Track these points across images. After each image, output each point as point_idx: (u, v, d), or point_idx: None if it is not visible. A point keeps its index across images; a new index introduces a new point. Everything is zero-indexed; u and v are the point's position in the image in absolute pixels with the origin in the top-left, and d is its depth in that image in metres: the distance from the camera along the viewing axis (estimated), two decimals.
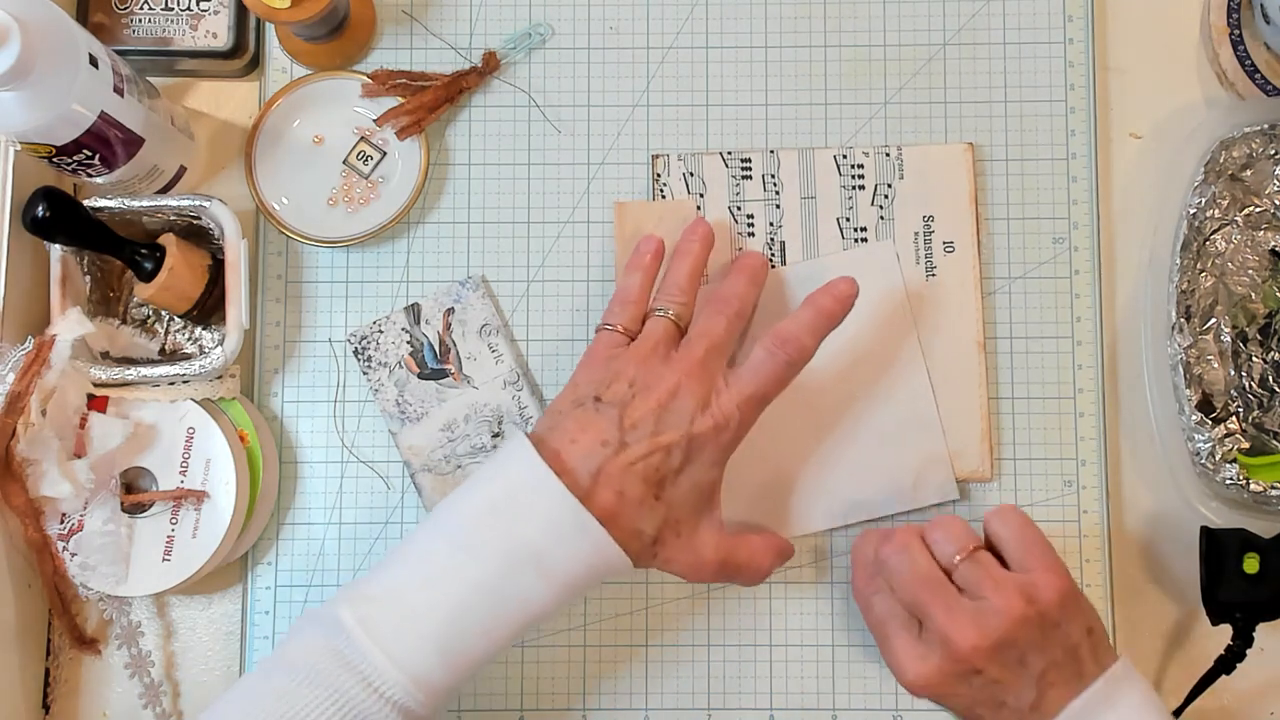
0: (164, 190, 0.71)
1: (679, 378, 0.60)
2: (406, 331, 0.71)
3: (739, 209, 0.71)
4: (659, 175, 0.72)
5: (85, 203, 0.66)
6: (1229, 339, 0.69)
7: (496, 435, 0.70)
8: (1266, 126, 0.69)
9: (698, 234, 0.66)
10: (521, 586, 0.56)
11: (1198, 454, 0.67)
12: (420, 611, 0.56)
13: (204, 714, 0.56)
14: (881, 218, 0.71)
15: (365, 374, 0.70)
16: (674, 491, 0.60)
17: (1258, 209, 0.70)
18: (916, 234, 0.70)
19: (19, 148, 0.63)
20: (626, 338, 0.63)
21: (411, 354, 0.70)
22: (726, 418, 0.60)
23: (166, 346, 0.71)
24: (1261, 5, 0.68)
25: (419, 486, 0.70)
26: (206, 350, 0.68)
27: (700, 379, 0.61)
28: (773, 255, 0.71)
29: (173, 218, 0.68)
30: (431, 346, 0.71)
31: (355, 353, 0.71)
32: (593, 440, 0.59)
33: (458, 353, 0.70)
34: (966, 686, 0.58)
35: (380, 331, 0.71)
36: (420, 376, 0.70)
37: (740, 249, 0.71)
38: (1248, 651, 0.65)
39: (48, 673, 0.70)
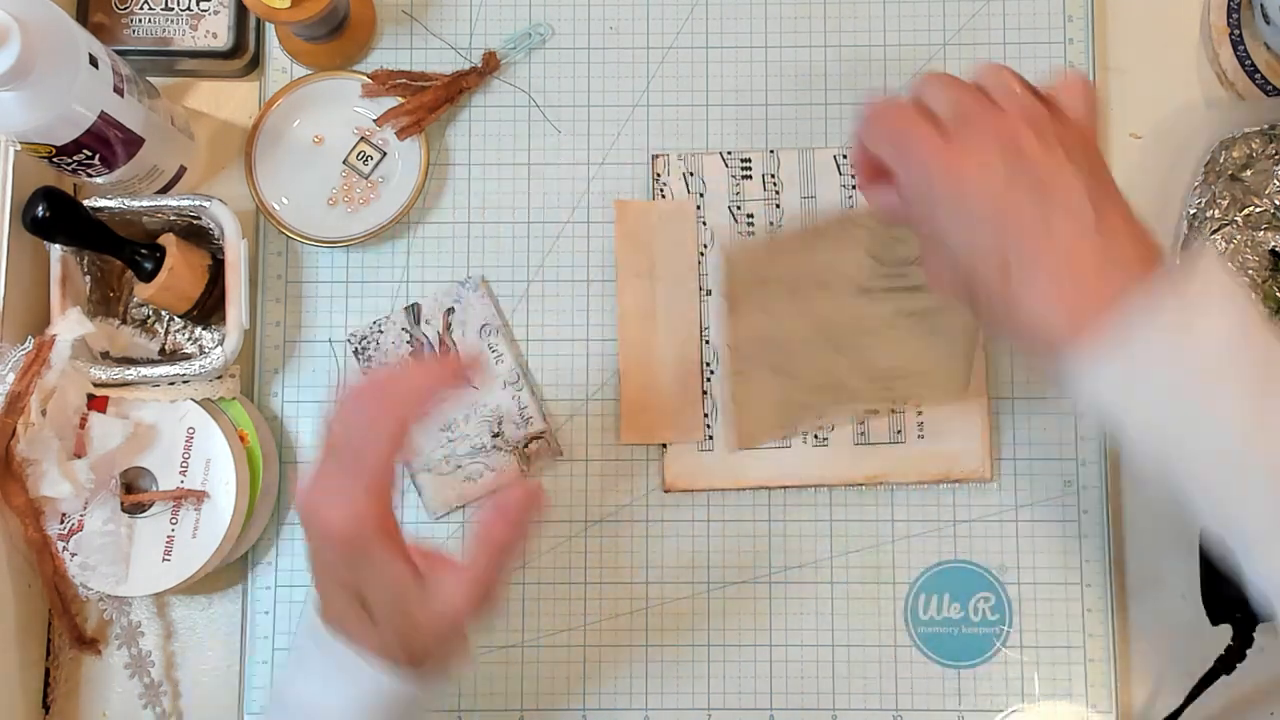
0: (164, 190, 0.71)
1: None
2: (406, 331, 0.71)
3: (739, 209, 0.71)
4: (659, 175, 0.72)
5: (85, 203, 0.66)
6: None
7: (496, 435, 0.70)
8: (1266, 126, 0.69)
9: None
10: None
11: None
12: None
13: None
14: None
15: (364, 373, 0.70)
16: (375, 596, 0.52)
17: (1258, 209, 0.70)
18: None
19: (19, 148, 0.63)
20: None
21: (411, 354, 0.70)
22: (337, 525, 0.52)
23: (166, 346, 0.71)
24: (1261, 5, 0.68)
25: (419, 486, 0.70)
26: (206, 350, 0.68)
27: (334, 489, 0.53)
28: None
29: (173, 218, 0.68)
30: (431, 346, 0.71)
31: (355, 353, 0.71)
32: (320, 598, 0.54)
33: (457, 353, 0.70)
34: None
35: (380, 331, 0.71)
36: None
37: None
38: (1248, 651, 0.65)
39: (48, 673, 0.70)
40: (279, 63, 0.73)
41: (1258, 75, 0.70)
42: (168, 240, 0.67)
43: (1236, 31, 0.71)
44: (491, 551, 0.53)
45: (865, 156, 0.54)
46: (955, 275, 0.52)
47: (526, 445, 0.70)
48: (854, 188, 0.71)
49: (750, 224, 0.71)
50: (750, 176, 0.71)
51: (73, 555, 0.65)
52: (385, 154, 0.71)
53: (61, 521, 0.65)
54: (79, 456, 0.65)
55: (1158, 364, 0.46)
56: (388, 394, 0.52)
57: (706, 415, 0.70)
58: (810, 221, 0.70)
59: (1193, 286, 0.46)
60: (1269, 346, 0.45)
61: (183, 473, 0.66)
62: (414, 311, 0.71)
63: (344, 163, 0.71)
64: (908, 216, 0.53)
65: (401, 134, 0.70)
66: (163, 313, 0.71)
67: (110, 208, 0.67)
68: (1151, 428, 0.47)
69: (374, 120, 0.71)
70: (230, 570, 0.70)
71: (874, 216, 0.60)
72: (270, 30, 0.73)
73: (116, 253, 0.66)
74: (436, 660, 0.54)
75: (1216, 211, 0.70)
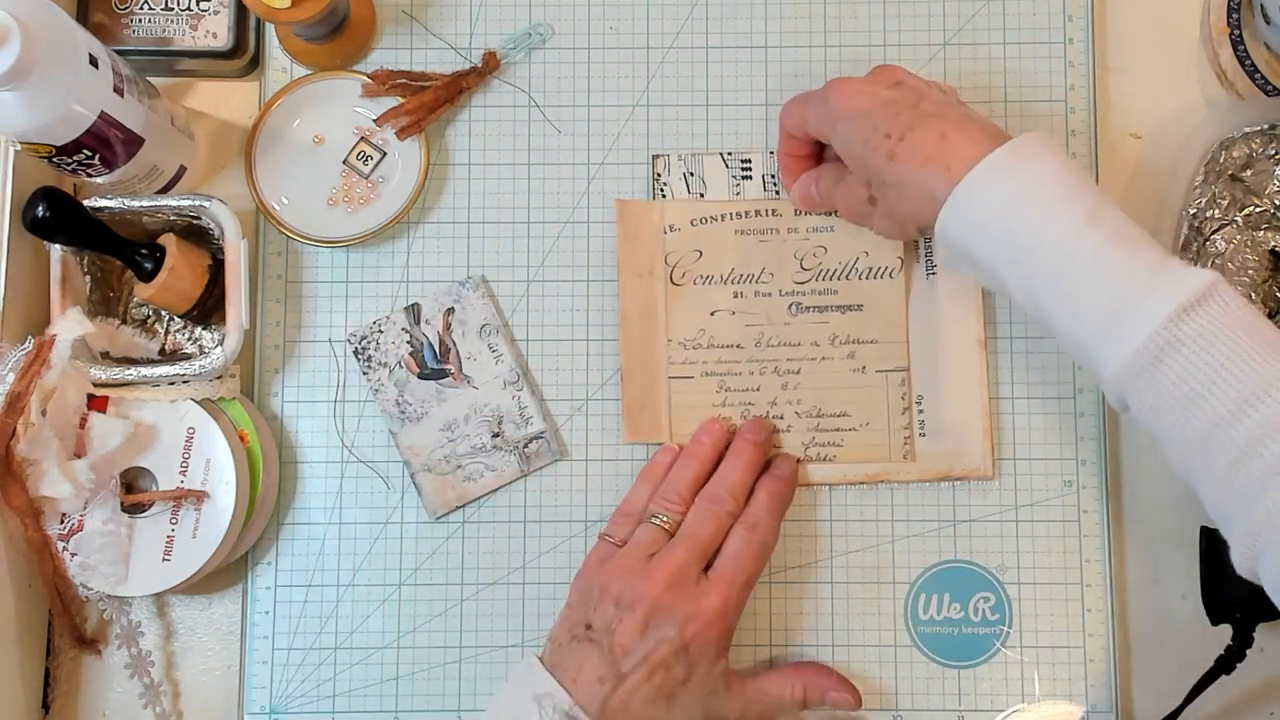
0: (164, 190, 0.71)
1: (659, 590, 0.62)
2: (406, 331, 0.71)
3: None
4: (659, 175, 0.72)
5: (85, 203, 0.66)
6: None
7: (496, 435, 0.70)
8: (1266, 126, 0.69)
9: (709, 436, 0.68)
10: None
11: None
12: None
13: None
14: None
15: (365, 374, 0.70)
16: (686, 698, 0.61)
17: (1258, 209, 0.70)
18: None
19: (19, 148, 0.63)
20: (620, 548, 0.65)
21: (411, 354, 0.70)
22: (716, 613, 0.62)
23: (166, 346, 0.71)
24: (1261, 5, 0.68)
25: (419, 486, 0.70)
26: (206, 350, 0.68)
27: (680, 585, 0.62)
28: None
29: (173, 218, 0.68)
30: (431, 346, 0.71)
31: (355, 353, 0.71)
32: (590, 678, 0.61)
33: (458, 353, 0.70)
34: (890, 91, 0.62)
35: (380, 331, 0.71)
36: (420, 376, 0.70)
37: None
38: (1248, 651, 0.65)
39: (48, 673, 0.70)
40: (279, 63, 0.73)
41: (1258, 75, 0.70)
42: (168, 240, 0.67)
43: (1236, 31, 0.71)
44: (791, 700, 0.65)
45: (786, 151, 0.69)
46: (858, 192, 0.64)
47: (526, 445, 0.70)
48: None
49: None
50: (750, 177, 0.71)
51: (73, 555, 0.65)
52: (385, 154, 0.71)
53: (61, 521, 0.65)
54: (79, 456, 0.65)
55: (1001, 196, 0.57)
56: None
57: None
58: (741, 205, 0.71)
59: (1024, 143, 0.58)
60: (1079, 175, 0.57)
61: (183, 473, 0.66)
62: (414, 311, 0.71)
63: (344, 163, 0.71)
64: (819, 134, 0.65)
65: (401, 134, 0.70)
66: (163, 313, 0.71)
67: (110, 208, 0.67)
68: (1006, 244, 0.57)
69: (374, 120, 0.71)
70: (230, 570, 0.70)
71: (795, 206, 0.69)
72: (270, 30, 0.73)
73: (116, 253, 0.66)
74: None
75: (1216, 211, 0.70)
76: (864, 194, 0.64)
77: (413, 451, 0.70)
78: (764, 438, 0.68)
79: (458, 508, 0.70)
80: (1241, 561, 0.53)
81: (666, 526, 0.65)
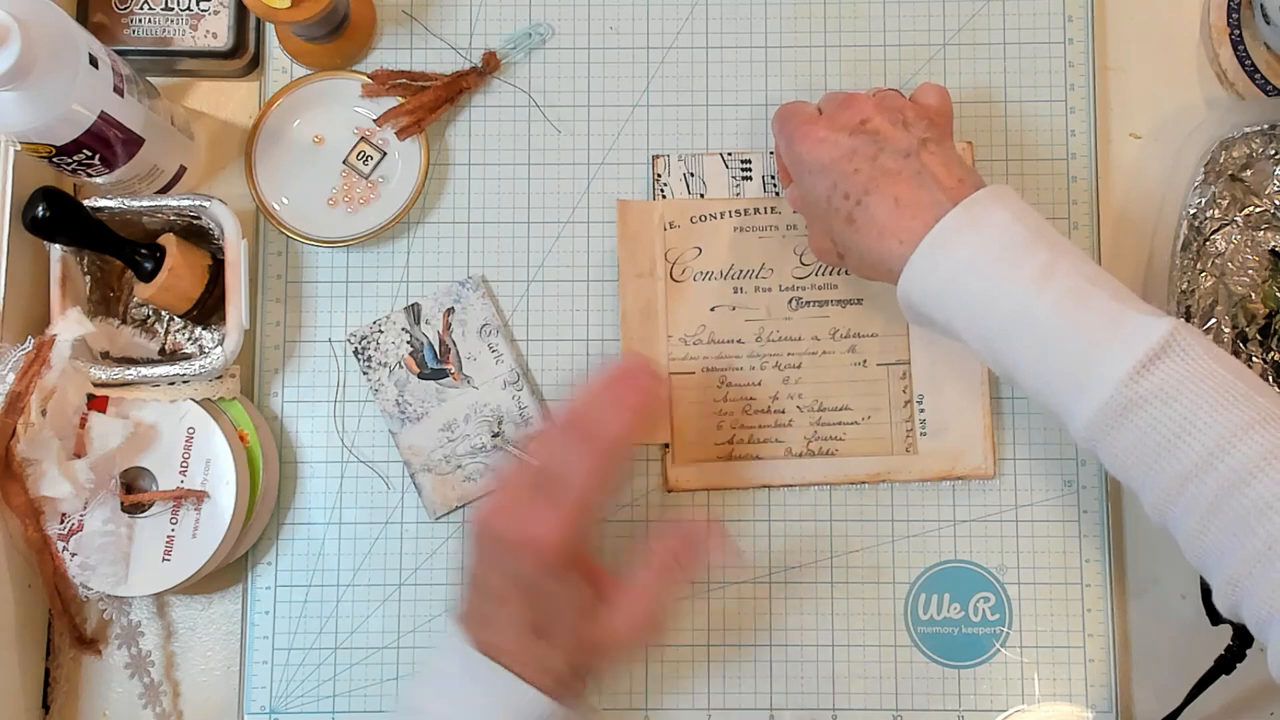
0: (164, 190, 0.71)
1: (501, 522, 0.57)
2: (406, 331, 0.71)
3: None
4: (659, 175, 0.72)
5: (85, 203, 0.66)
6: (1229, 339, 0.69)
7: (496, 435, 0.70)
8: (1266, 126, 0.69)
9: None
10: None
11: None
12: None
13: None
14: None
15: (365, 374, 0.70)
16: (554, 620, 0.56)
17: (1258, 209, 0.70)
18: None
19: (19, 148, 0.63)
20: None
21: (411, 354, 0.70)
22: (546, 542, 0.55)
23: (166, 346, 0.71)
24: (1261, 5, 0.68)
25: (419, 486, 0.70)
26: (206, 350, 0.68)
27: (522, 514, 0.56)
28: None
29: (173, 218, 0.68)
30: (431, 346, 0.71)
31: (355, 353, 0.71)
32: (473, 619, 0.57)
33: (458, 353, 0.70)
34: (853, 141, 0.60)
35: (380, 331, 0.71)
36: (420, 376, 0.70)
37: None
38: (1248, 651, 0.65)
39: (48, 673, 0.70)
40: (279, 63, 0.73)
41: (1258, 75, 0.70)
42: (168, 240, 0.67)
43: (1236, 31, 0.71)
44: (668, 579, 0.58)
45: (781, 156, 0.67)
46: (826, 244, 0.64)
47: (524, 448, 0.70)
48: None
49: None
50: (750, 177, 0.71)
51: (73, 555, 0.65)
52: (385, 154, 0.71)
53: (61, 521, 0.65)
54: (79, 456, 0.65)
55: (953, 264, 0.57)
56: (591, 430, 0.57)
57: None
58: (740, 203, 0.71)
59: (975, 201, 0.57)
60: (1031, 228, 0.57)
61: (183, 473, 0.66)
62: (414, 311, 0.71)
63: (344, 163, 0.71)
64: (790, 169, 0.64)
65: (401, 134, 0.70)
66: (163, 313, 0.71)
67: (110, 208, 0.67)
68: (963, 307, 0.57)
69: (374, 120, 0.71)
70: (230, 570, 0.70)
71: (792, 208, 0.68)
72: (270, 30, 0.73)
73: (116, 253, 0.66)
74: (587, 684, 0.58)
75: (1216, 211, 0.70)
76: (832, 247, 0.64)
77: (413, 451, 0.70)
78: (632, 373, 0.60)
79: (458, 507, 0.70)
80: (1223, 606, 0.55)
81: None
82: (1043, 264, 0.55)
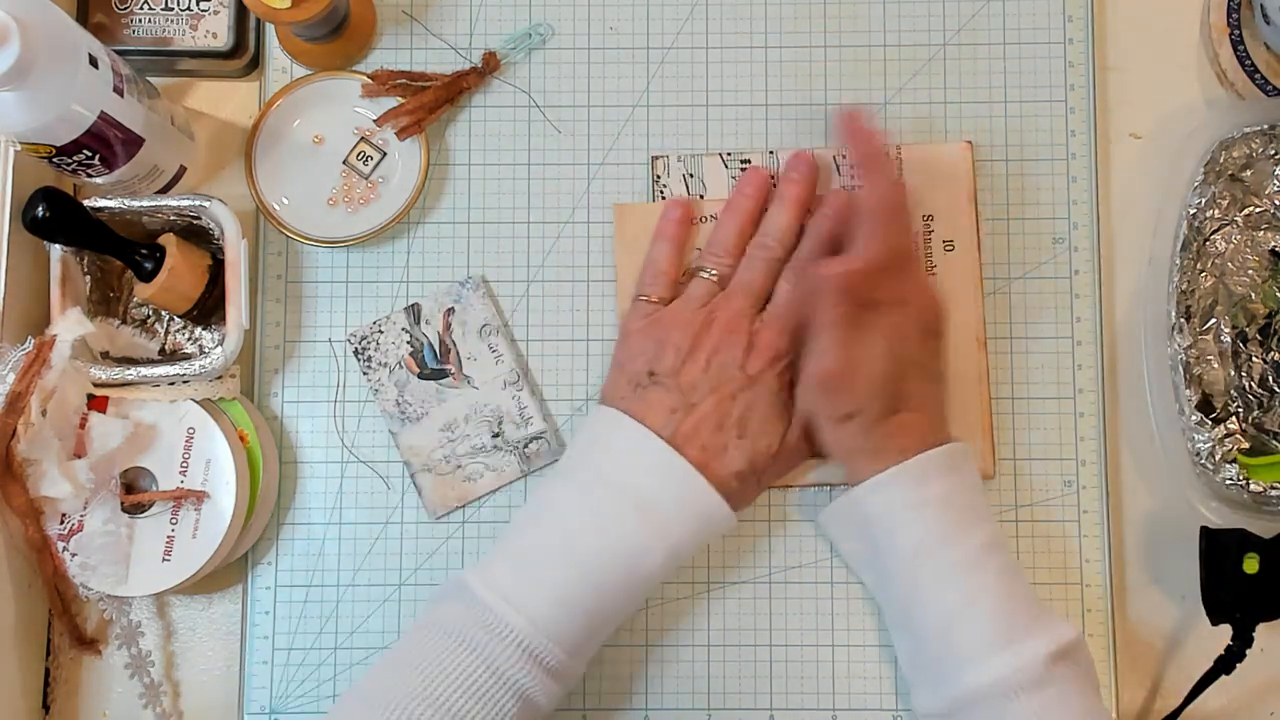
0: (164, 190, 0.71)
1: (719, 334, 0.64)
2: (406, 331, 0.71)
3: None
4: (659, 176, 0.72)
5: (85, 203, 0.66)
6: (1229, 339, 0.69)
7: (496, 435, 0.70)
8: (1266, 126, 0.69)
9: (751, 186, 0.69)
10: (630, 536, 0.60)
11: (1198, 454, 0.67)
12: (533, 558, 0.60)
13: (363, 679, 0.60)
14: None
15: (365, 374, 0.70)
16: (753, 424, 0.64)
17: (1258, 209, 0.70)
18: (916, 233, 0.70)
19: (19, 148, 0.63)
20: (660, 305, 0.67)
21: (412, 354, 0.70)
22: (776, 351, 0.65)
23: (166, 346, 0.71)
24: (1261, 5, 0.68)
25: (419, 487, 0.70)
26: (206, 350, 0.68)
27: (738, 329, 0.65)
28: None
29: (173, 218, 0.68)
30: (431, 346, 0.71)
31: (355, 353, 0.71)
32: (662, 411, 0.63)
33: (458, 353, 0.70)
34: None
35: (380, 331, 0.71)
36: (420, 376, 0.70)
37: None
38: (1248, 651, 0.65)
39: (48, 673, 0.70)
40: (279, 63, 0.73)
41: (1258, 75, 0.70)
42: (168, 240, 0.67)
43: (1236, 31, 0.71)
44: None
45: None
46: (795, 430, 0.66)
47: (527, 445, 0.70)
48: (854, 188, 0.71)
49: None
50: None
51: (73, 555, 0.65)
52: (385, 154, 0.71)
53: (61, 521, 0.65)
54: (79, 456, 0.65)
55: (913, 499, 0.62)
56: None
57: None
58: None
59: (934, 458, 0.62)
60: (984, 497, 0.64)
61: (183, 473, 0.66)
62: (414, 311, 0.71)
63: (344, 163, 0.71)
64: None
65: (401, 134, 0.70)
66: (163, 313, 0.71)
67: (110, 208, 0.67)
68: (915, 536, 0.62)
69: (374, 120, 0.71)
70: (230, 570, 0.70)
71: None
72: (270, 30, 0.73)
73: (116, 253, 0.66)
74: (745, 500, 0.65)
75: (1216, 211, 0.70)
76: (799, 429, 0.66)
77: (413, 452, 0.70)
78: (808, 174, 0.69)
79: (458, 507, 0.70)
80: None
81: (716, 279, 0.67)
82: (994, 533, 0.62)
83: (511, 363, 0.70)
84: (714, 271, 0.67)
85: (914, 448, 0.62)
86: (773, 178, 0.70)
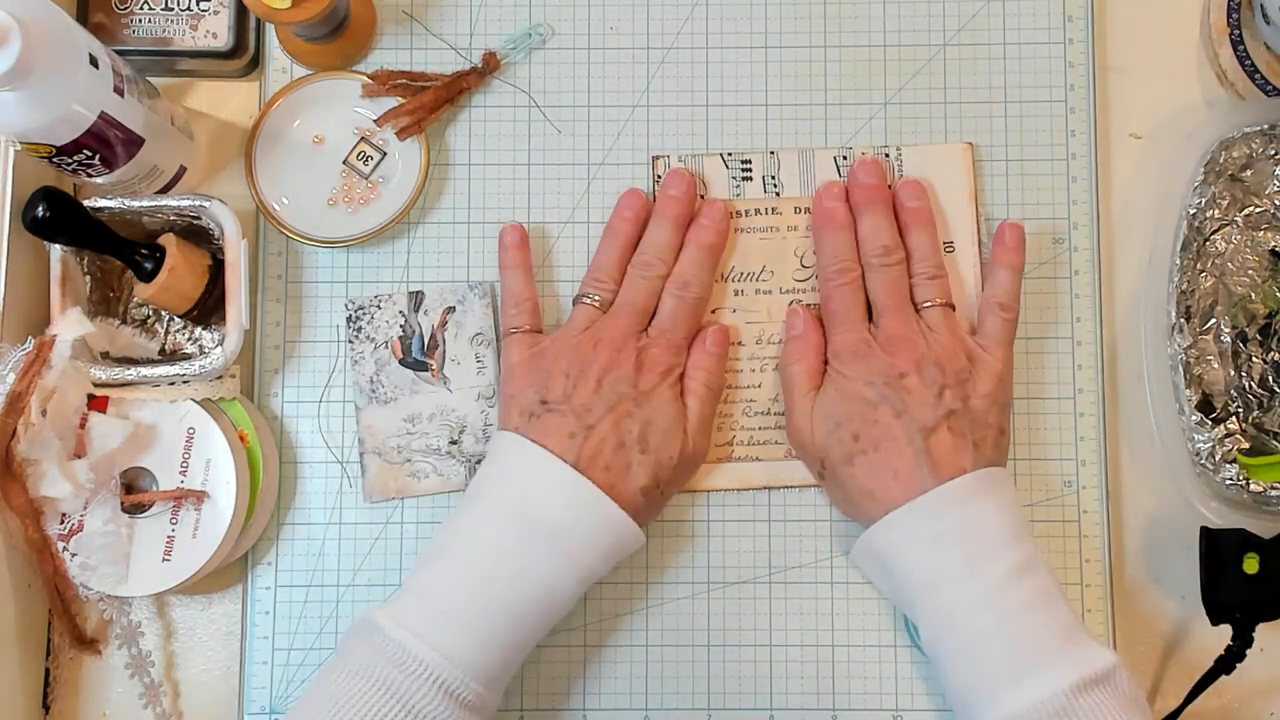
0: (164, 190, 0.71)
1: (607, 354, 0.65)
2: (403, 315, 0.71)
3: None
4: (659, 176, 0.72)
5: (85, 203, 0.66)
6: (1229, 339, 0.69)
7: (454, 443, 0.70)
8: (1266, 126, 0.69)
9: (629, 209, 0.69)
10: (541, 568, 0.60)
11: (1198, 454, 0.67)
12: (445, 594, 0.59)
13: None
14: None
15: (351, 342, 0.70)
16: (653, 438, 0.64)
17: (1258, 209, 0.70)
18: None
19: (19, 148, 0.63)
20: (534, 333, 0.68)
21: (400, 338, 0.70)
22: (665, 365, 0.65)
23: (166, 346, 0.71)
24: (1261, 5, 0.68)
25: (364, 467, 0.70)
26: (206, 350, 0.68)
27: (625, 347, 0.65)
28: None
29: (173, 218, 0.68)
30: (421, 337, 0.70)
31: (348, 319, 0.71)
32: (561, 437, 0.63)
33: (444, 351, 0.70)
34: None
35: (378, 307, 0.71)
36: (401, 363, 0.70)
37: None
38: (1248, 651, 0.65)
39: (48, 673, 0.70)
40: (279, 63, 0.73)
41: (1258, 75, 0.70)
42: (168, 240, 0.67)
43: (1236, 31, 0.71)
44: (708, 387, 0.67)
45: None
46: (810, 446, 0.66)
47: (479, 461, 0.70)
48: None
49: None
50: (750, 178, 0.71)
51: (73, 555, 0.65)
52: (385, 154, 0.71)
53: (61, 521, 0.65)
54: (79, 456, 0.65)
55: (920, 532, 0.62)
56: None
57: None
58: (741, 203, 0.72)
59: (948, 490, 0.62)
60: (1023, 518, 0.63)
61: (183, 473, 0.66)
62: (416, 299, 0.71)
63: (344, 163, 0.71)
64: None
65: (401, 134, 0.70)
66: (163, 313, 0.71)
67: (110, 208, 0.67)
68: (932, 572, 0.62)
69: (374, 120, 0.71)
70: (230, 570, 0.70)
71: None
72: (270, 30, 0.73)
73: (116, 253, 0.66)
74: (651, 514, 0.66)
75: (1216, 211, 0.70)
76: (817, 465, 0.67)
77: (370, 431, 0.70)
78: (686, 190, 0.69)
79: (394, 498, 0.70)
80: None
81: (598, 305, 0.67)
82: (1026, 558, 0.61)
83: (492, 379, 0.70)
84: (596, 297, 0.67)
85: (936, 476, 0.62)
86: (651, 197, 0.70)
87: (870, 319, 0.67)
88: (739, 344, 0.70)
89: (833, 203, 0.68)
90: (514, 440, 0.64)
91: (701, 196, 0.70)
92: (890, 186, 0.69)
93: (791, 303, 0.70)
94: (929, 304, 0.67)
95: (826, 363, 0.67)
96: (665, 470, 0.64)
